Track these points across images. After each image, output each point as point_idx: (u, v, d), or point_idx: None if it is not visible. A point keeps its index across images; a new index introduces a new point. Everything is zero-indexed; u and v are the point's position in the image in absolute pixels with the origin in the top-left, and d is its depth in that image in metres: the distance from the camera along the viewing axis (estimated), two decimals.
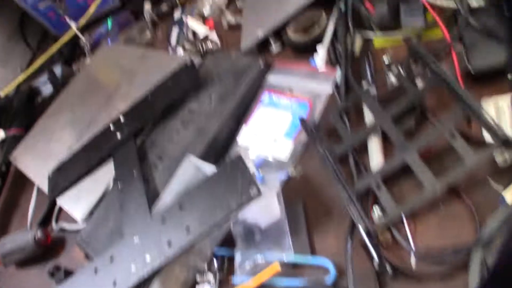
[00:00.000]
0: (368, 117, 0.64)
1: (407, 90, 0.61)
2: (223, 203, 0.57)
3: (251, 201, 0.56)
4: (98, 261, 0.64)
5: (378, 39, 0.71)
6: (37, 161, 0.93)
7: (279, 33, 0.80)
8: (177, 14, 1.07)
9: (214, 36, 0.92)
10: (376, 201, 0.57)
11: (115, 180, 0.75)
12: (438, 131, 0.56)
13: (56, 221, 0.85)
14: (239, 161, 0.60)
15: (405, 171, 0.57)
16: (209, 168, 0.65)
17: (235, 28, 0.92)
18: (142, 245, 0.61)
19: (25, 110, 1.10)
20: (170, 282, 0.61)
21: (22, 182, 0.97)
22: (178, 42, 0.99)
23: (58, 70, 1.16)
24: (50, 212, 0.86)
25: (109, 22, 1.22)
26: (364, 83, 0.67)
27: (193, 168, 0.67)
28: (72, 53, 1.23)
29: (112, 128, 0.82)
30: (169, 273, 0.61)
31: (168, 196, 0.66)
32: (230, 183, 0.58)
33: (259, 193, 0.56)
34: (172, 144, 0.74)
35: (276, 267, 0.56)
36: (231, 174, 0.59)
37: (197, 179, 0.66)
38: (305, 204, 0.62)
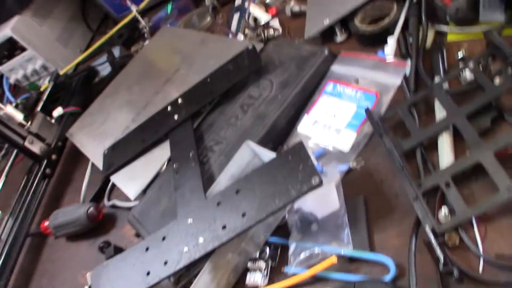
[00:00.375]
0: (439, 113, 0.60)
1: (484, 87, 0.58)
2: (282, 190, 0.56)
3: (312, 191, 0.54)
4: (150, 240, 0.64)
5: (453, 33, 0.68)
6: (93, 138, 0.94)
7: (345, 22, 0.78)
8: (238, 0, 1.06)
9: (276, 23, 0.91)
10: (444, 200, 0.54)
11: (170, 160, 0.74)
12: None
13: (109, 198, 0.86)
14: (300, 149, 0.58)
15: (477, 171, 0.53)
16: (268, 155, 0.63)
17: (298, 16, 0.90)
18: (196, 226, 0.60)
19: (83, 89, 1.12)
20: (221, 266, 0.60)
21: (77, 158, 0.99)
22: (238, 28, 0.98)
23: (116, 51, 1.18)
24: (103, 188, 0.87)
25: (169, 7, 1.22)
26: (436, 77, 0.64)
27: (251, 154, 0.66)
28: (131, 36, 1.24)
29: (169, 109, 0.82)
30: (221, 257, 0.60)
31: (224, 179, 0.65)
32: (290, 171, 0.57)
33: (320, 182, 0.54)
34: (230, 128, 0.73)
35: (333, 260, 0.54)
36: (292, 162, 0.57)
37: (254, 165, 0.65)
38: (366, 198, 0.59)
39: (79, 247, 0.84)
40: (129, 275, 0.62)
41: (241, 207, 0.58)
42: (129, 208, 0.78)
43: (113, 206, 0.84)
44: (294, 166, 0.57)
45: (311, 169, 0.55)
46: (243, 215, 0.57)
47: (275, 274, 0.60)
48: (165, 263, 0.60)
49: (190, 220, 0.61)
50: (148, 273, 0.60)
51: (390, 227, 0.56)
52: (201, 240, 0.58)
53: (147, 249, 0.63)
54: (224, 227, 0.57)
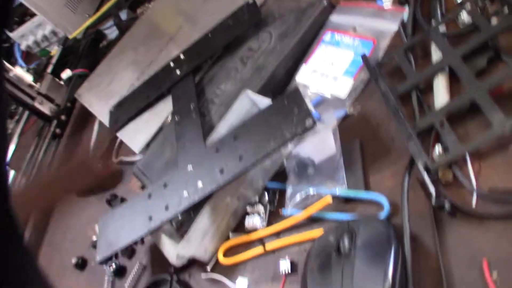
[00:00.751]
0: (435, 56, 0.60)
1: (480, 28, 0.57)
2: (277, 133, 0.57)
3: (306, 132, 0.55)
4: (152, 188, 0.66)
5: None
6: (100, 98, 0.96)
7: None
8: None
9: None
10: (438, 140, 0.54)
11: (173, 113, 0.76)
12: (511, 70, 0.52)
13: (116, 155, 0.88)
14: (296, 94, 0.59)
15: (472, 111, 0.53)
16: (265, 102, 0.64)
17: None
18: (195, 172, 0.62)
19: (91, 52, 1.14)
20: (221, 210, 0.61)
21: (86, 119, 1.01)
22: None
23: (123, 15, 1.19)
24: (111, 146, 0.89)
25: None
26: (433, 21, 0.63)
27: (249, 103, 0.67)
28: None
29: (172, 65, 0.83)
30: (220, 201, 0.61)
31: (223, 128, 0.66)
32: (286, 115, 0.57)
33: (314, 124, 0.55)
34: (230, 80, 0.74)
35: (328, 200, 0.55)
36: (287, 107, 0.58)
37: (252, 113, 0.66)
38: (362, 142, 0.60)
39: (89, 202, 0.86)
40: (133, 221, 0.65)
41: (238, 151, 0.59)
42: (135, 162, 0.80)
43: (121, 162, 0.86)
44: (289, 110, 0.58)
45: (306, 112, 0.56)
46: (240, 158, 0.58)
47: (273, 217, 0.61)
48: (166, 208, 0.61)
49: (190, 167, 0.63)
50: (150, 218, 0.62)
51: (385, 169, 0.57)
52: (200, 184, 0.60)
53: (149, 196, 0.65)
54: (221, 171, 0.59)
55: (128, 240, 0.63)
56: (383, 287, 0.44)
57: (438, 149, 0.53)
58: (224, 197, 0.61)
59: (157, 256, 0.69)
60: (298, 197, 0.58)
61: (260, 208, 0.61)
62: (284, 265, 0.56)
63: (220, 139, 0.63)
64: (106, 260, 0.66)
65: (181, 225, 0.66)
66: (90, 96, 0.98)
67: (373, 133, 0.60)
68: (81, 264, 0.78)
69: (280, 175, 0.63)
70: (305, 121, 0.55)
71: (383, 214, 0.52)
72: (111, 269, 0.71)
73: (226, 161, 0.59)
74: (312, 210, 0.56)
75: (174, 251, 0.62)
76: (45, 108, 0.97)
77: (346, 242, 0.49)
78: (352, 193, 0.55)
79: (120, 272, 0.72)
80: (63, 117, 0.99)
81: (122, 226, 0.66)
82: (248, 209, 0.62)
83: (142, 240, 0.73)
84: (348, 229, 0.50)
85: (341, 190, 0.55)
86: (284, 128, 0.56)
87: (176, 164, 0.66)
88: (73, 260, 0.78)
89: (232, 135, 0.61)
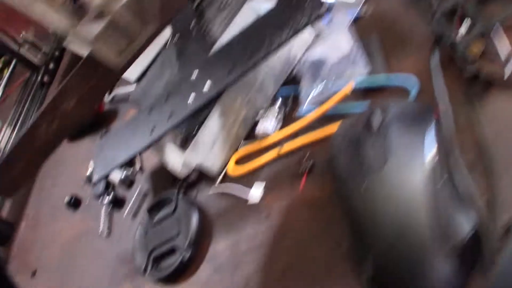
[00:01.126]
0: None
1: None
2: (290, 24, 0.52)
3: (319, 19, 0.51)
4: (153, 102, 0.61)
5: None
6: None
7: None
8: None
9: None
10: (464, 18, 0.50)
11: (172, 34, 0.71)
12: None
13: (110, 91, 0.82)
14: None
15: None
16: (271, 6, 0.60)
17: None
18: (200, 78, 0.57)
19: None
20: (231, 113, 0.57)
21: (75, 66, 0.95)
22: None
23: None
24: None
25: None
26: None
27: (253, 12, 0.62)
28: None
29: None
30: (230, 103, 0.57)
31: (225, 39, 0.62)
32: (297, 9, 0.53)
33: (327, 10, 0.51)
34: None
35: (348, 89, 0.50)
36: (297, 2, 0.54)
37: None
38: (380, 38, 0.56)
39: (81, 145, 0.81)
40: (133, 137, 0.60)
41: (248, 49, 0.54)
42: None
43: (114, 99, 0.81)
44: (300, 4, 0.54)
45: (318, 2, 0.52)
46: (251, 55, 0.54)
47: (287, 122, 0.56)
48: (170, 116, 0.57)
49: (194, 75, 0.58)
50: (152, 130, 0.57)
51: (407, 56, 0.52)
52: (206, 88, 0.55)
53: (150, 110, 0.60)
54: (230, 71, 0.54)
55: (128, 155, 0.58)
56: (422, 157, 0.40)
57: (465, 25, 0.49)
58: (235, 98, 0.56)
59: (159, 181, 0.64)
60: (315, 91, 0.53)
61: (274, 111, 0.57)
62: (304, 164, 0.51)
63: (227, 42, 0.58)
64: (103, 181, 0.61)
65: (186, 142, 0.61)
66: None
67: (390, 29, 0.56)
68: (74, 203, 0.72)
69: (292, 82, 0.59)
70: (319, 8, 0.51)
71: (413, 92, 0.48)
72: (108, 200, 0.66)
73: (234, 61, 0.55)
74: (331, 102, 0.51)
75: (180, 160, 0.56)
76: (32, 55, 0.92)
77: (377, 116, 0.43)
78: (375, 80, 0.51)
79: (118, 202, 0.66)
80: (51, 66, 0.94)
81: (120, 143, 0.61)
82: (260, 114, 0.57)
83: (141, 169, 0.68)
84: (377, 106, 0.45)
85: (362, 78, 0.51)
86: (296, 19, 0.52)
87: (179, 75, 0.62)
88: (66, 199, 0.72)
89: (239, 37, 0.57)
